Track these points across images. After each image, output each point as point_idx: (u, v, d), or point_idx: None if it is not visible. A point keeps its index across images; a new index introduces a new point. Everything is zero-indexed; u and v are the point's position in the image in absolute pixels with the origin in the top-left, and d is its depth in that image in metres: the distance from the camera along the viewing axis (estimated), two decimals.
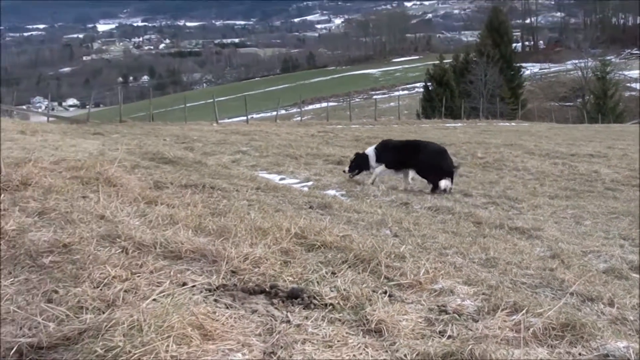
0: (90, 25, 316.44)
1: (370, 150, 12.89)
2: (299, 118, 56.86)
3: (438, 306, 4.14)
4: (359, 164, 12.80)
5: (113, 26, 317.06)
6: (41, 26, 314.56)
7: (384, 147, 12.92)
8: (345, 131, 31.04)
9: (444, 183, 12.03)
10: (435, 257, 5.52)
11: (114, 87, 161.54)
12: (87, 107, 51.63)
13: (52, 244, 4.86)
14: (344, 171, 12.96)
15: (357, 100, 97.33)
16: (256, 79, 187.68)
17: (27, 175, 7.51)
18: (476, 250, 6.53)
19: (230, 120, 56.54)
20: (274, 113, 53.00)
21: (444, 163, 12.32)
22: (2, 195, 6.52)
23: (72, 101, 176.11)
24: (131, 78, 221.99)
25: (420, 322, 3.80)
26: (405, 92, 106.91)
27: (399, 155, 12.64)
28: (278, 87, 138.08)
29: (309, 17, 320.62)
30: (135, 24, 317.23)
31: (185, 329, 3.20)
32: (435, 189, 12.03)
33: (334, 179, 12.42)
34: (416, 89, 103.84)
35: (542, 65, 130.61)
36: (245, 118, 46.70)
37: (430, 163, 12.30)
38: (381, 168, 12.61)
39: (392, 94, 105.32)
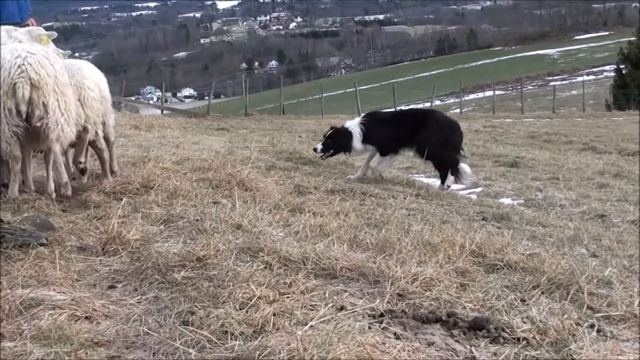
0: (208, 3, 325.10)
1: (354, 126, 11.41)
2: (457, 110, 56.52)
3: None
4: (338, 142, 11.42)
5: (235, 3, 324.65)
6: (152, 4, 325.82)
7: (373, 120, 11.64)
8: (517, 126, 30.57)
9: (466, 170, 11.45)
10: None
11: (236, 75, 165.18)
12: (207, 98, 52.97)
13: (183, 257, 4.99)
14: (315, 149, 11.71)
15: (529, 87, 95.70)
16: (405, 63, 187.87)
17: (148, 176, 7.76)
18: None
19: None
20: (427, 104, 52.81)
21: (459, 140, 11.60)
22: (123, 200, 6.74)
23: (187, 91, 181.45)
24: (257, 64, 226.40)
25: None
26: (591, 77, 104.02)
27: (396, 131, 11.44)
28: (431, 72, 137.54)
29: None
30: (261, 0, 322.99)
31: None
32: (445, 179, 11.33)
33: (508, 185, 12.20)
34: (605, 74, 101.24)
35: None
36: (392, 110, 46.74)
37: (442, 139, 11.31)
38: (377, 156, 11.43)
39: (574, 80, 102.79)
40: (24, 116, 6.32)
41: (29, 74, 6.19)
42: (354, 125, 11.35)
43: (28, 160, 7.37)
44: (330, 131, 11.57)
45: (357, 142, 11.23)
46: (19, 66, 6.20)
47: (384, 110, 12.53)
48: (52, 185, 7.15)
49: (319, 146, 11.50)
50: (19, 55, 6.27)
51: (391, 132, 11.35)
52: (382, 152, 11.34)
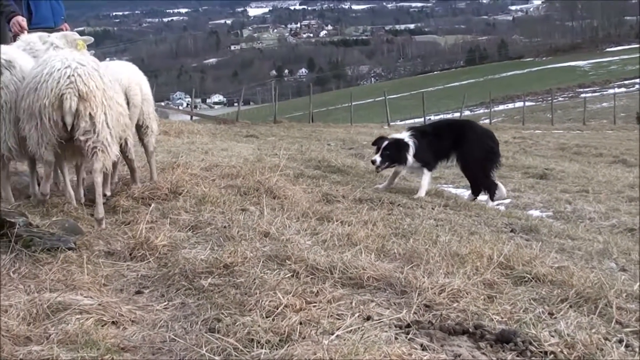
0: (239, 10, 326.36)
1: (407, 138, 10.87)
2: (487, 120, 56.32)
3: None
4: (395, 153, 10.78)
5: (266, 10, 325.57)
6: (183, 10, 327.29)
7: (421, 134, 11.06)
8: (547, 137, 30.47)
9: (502, 191, 11.30)
10: None
11: (266, 82, 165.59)
12: (236, 104, 53.16)
13: (210, 264, 5.02)
14: (373, 162, 10.89)
15: (560, 99, 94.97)
16: (435, 72, 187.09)
17: (176, 182, 7.78)
18: None
19: (403, 122, 56.62)
20: (456, 114, 52.70)
21: (498, 151, 11.40)
22: (151, 206, 6.77)
23: (217, 98, 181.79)
24: (286, 71, 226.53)
25: None
26: (622, 89, 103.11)
27: (439, 145, 11.09)
28: (461, 82, 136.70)
29: None
30: (292, 8, 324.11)
31: None
32: (480, 194, 11.21)
33: (537, 197, 12.14)
34: (636, 86, 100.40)
35: None
36: (422, 120, 46.75)
37: (481, 151, 11.13)
38: (425, 173, 10.90)
39: (605, 92, 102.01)
40: (69, 128, 6.22)
41: (78, 86, 6.09)
42: (407, 137, 10.88)
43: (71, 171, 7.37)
44: (387, 142, 10.86)
45: (411, 155, 10.75)
46: (69, 77, 6.11)
47: (425, 124, 12.00)
48: (82, 191, 7.20)
49: (378, 158, 10.76)
50: (68, 65, 6.17)
51: (436, 147, 11.07)
52: (430, 168, 11.02)
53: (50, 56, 6.44)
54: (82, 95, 6.09)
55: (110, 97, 6.43)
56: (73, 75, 6.11)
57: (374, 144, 11.44)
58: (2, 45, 7.00)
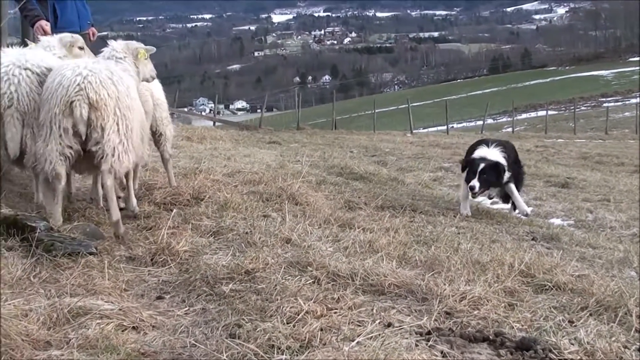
0: (263, 16, 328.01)
1: (499, 157, 10.09)
2: (509, 129, 56.27)
3: None
4: (491, 177, 9.98)
5: (290, 17, 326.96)
6: (207, 16, 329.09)
7: (508, 148, 10.48)
8: (569, 146, 30.34)
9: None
10: None
11: (289, 89, 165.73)
12: (259, 111, 53.24)
13: (231, 270, 5.02)
14: (472, 188, 9.80)
15: (582, 108, 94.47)
16: (458, 80, 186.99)
17: (198, 188, 7.80)
18: None
19: (426, 130, 56.64)
20: (479, 122, 52.64)
21: None
22: (173, 211, 6.78)
23: (240, 104, 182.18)
24: (310, 78, 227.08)
25: None
26: None
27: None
28: (484, 90, 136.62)
29: (525, 6, 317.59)
30: (316, 14, 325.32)
31: None
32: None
33: (558, 205, 12.10)
34: None
35: None
36: (444, 128, 46.76)
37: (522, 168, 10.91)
38: (513, 186, 10.33)
39: (627, 102, 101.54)
40: (83, 138, 6.02)
41: (88, 93, 5.98)
42: (501, 157, 10.08)
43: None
44: (484, 165, 9.86)
45: (506, 176, 10.08)
46: (78, 84, 6.01)
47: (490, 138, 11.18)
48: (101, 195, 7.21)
49: (476, 183, 9.78)
50: (79, 73, 6.06)
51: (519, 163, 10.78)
52: (519, 187, 10.58)
53: (62, 65, 6.34)
54: (92, 103, 5.96)
55: (127, 107, 6.21)
56: (83, 82, 5.99)
57: (466, 165, 10.29)
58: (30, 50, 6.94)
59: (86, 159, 6.23)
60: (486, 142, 10.52)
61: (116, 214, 6.17)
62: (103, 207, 6.96)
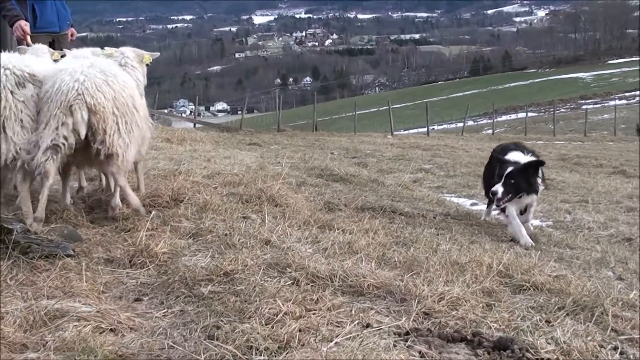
0: (244, 17, 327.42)
1: (528, 159, 8.90)
2: (490, 131, 56.48)
3: None
4: (522, 181, 8.71)
5: (271, 18, 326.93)
6: (188, 17, 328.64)
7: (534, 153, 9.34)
8: (549, 148, 30.45)
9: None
10: None
11: (270, 90, 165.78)
12: (240, 112, 53.21)
13: (210, 272, 5.01)
14: (495, 193, 8.57)
15: (562, 110, 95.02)
16: (439, 82, 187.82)
17: (178, 190, 7.77)
18: None
19: (407, 131, 56.73)
20: (459, 124, 52.87)
21: None
22: (152, 213, 6.76)
23: (221, 105, 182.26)
24: (291, 79, 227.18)
25: None
26: (623, 101, 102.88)
27: None
28: (465, 92, 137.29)
29: (506, 9, 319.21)
30: (297, 16, 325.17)
31: None
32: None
33: (537, 207, 12.14)
34: (637, 98, 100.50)
35: None
36: (425, 129, 46.90)
37: None
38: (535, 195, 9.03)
39: (606, 104, 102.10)
40: (82, 137, 6.15)
41: (85, 99, 6.05)
42: (527, 158, 8.89)
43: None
44: (512, 169, 8.60)
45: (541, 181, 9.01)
46: (76, 90, 6.07)
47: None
48: (68, 197, 7.24)
49: (500, 188, 8.53)
50: (77, 79, 6.12)
51: None
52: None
53: (60, 70, 6.39)
54: (90, 108, 6.06)
55: (124, 104, 6.38)
56: (80, 88, 6.08)
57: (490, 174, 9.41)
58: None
59: (86, 152, 6.38)
60: (521, 148, 9.34)
61: (135, 202, 6.76)
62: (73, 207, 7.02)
